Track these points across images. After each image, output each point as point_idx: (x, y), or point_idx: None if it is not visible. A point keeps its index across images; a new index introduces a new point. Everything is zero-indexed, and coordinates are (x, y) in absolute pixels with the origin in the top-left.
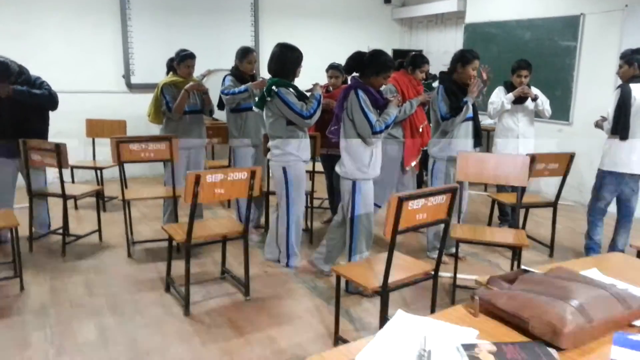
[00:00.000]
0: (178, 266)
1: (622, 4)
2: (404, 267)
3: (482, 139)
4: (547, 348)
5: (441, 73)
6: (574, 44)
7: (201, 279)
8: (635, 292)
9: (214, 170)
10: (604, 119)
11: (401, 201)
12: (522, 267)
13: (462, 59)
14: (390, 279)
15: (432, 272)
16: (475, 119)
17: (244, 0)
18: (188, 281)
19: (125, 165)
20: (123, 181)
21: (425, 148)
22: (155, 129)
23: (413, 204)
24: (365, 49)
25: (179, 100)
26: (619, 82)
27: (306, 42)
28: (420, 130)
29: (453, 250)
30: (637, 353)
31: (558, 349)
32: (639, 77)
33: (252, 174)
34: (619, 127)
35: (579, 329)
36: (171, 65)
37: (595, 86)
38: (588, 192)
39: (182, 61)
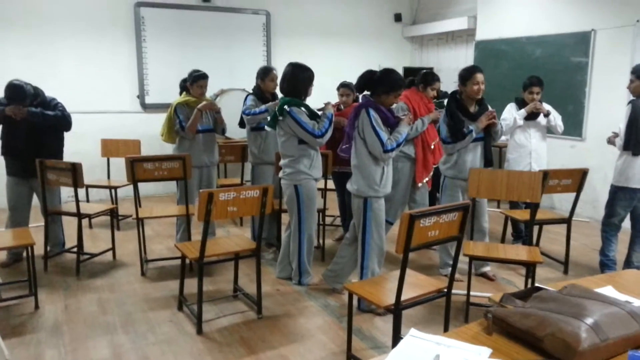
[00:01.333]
0: (191, 284)
1: (633, 20)
2: (417, 284)
3: (492, 163)
4: None
5: (451, 93)
6: (585, 60)
7: (214, 297)
8: None
9: (227, 189)
10: (615, 134)
11: (413, 219)
12: (536, 284)
13: (461, 78)
14: (403, 297)
15: (445, 290)
16: (486, 142)
17: (256, 21)
18: (201, 299)
19: (139, 184)
20: (137, 200)
21: (436, 165)
22: (170, 148)
23: (425, 221)
24: (376, 67)
25: (192, 119)
26: (631, 97)
27: (318, 61)
28: (432, 147)
29: (482, 269)
30: None
31: None
32: None
33: (264, 192)
34: (631, 143)
35: (593, 347)
36: (184, 86)
37: (607, 102)
38: (602, 208)
39: (194, 81)
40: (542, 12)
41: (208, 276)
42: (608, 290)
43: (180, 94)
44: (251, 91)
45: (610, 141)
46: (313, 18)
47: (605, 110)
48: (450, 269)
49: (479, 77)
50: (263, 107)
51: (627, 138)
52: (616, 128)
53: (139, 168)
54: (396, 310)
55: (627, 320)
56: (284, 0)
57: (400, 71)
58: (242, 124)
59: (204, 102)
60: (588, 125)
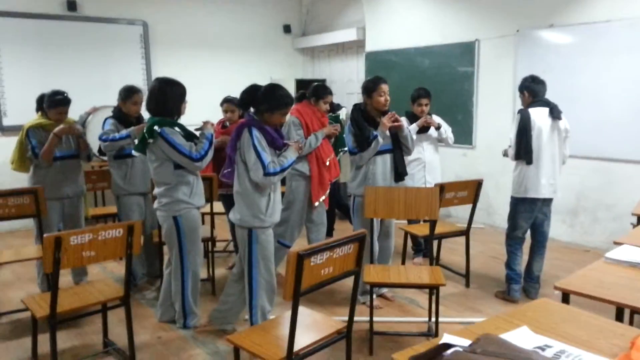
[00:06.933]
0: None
1: (513, 29)
2: (314, 327)
3: (404, 176)
4: None
5: (355, 105)
6: (471, 69)
7: (79, 355)
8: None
9: (81, 230)
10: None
11: (301, 258)
12: (443, 341)
13: (365, 90)
14: (297, 346)
15: (345, 330)
16: (395, 153)
17: (132, 31)
18: None
19: None
20: None
21: (333, 181)
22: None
23: (316, 259)
24: (267, 79)
25: (46, 145)
26: (518, 105)
27: (204, 74)
28: (327, 163)
29: (380, 291)
30: None
31: None
32: (535, 102)
33: (130, 230)
34: (522, 152)
35: None
36: (41, 103)
37: (494, 109)
38: (496, 213)
39: (53, 107)
40: (427, 22)
41: (74, 328)
42: (523, 332)
43: (37, 110)
44: (111, 113)
45: (506, 153)
46: (196, 29)
47: (493, 117)
48: (368, 296)
49: (384, 87)
50: (124, 132)
51: (517, 147)
52: (504, 134)
53: None
54: None
55: None
56: (161, 10)
57: (292, 84)
58: (101, 151)
59: (61, 126)
60: (478, 133)
